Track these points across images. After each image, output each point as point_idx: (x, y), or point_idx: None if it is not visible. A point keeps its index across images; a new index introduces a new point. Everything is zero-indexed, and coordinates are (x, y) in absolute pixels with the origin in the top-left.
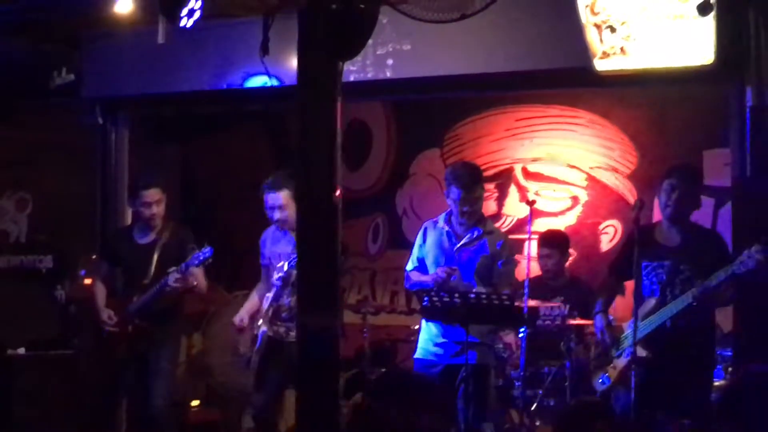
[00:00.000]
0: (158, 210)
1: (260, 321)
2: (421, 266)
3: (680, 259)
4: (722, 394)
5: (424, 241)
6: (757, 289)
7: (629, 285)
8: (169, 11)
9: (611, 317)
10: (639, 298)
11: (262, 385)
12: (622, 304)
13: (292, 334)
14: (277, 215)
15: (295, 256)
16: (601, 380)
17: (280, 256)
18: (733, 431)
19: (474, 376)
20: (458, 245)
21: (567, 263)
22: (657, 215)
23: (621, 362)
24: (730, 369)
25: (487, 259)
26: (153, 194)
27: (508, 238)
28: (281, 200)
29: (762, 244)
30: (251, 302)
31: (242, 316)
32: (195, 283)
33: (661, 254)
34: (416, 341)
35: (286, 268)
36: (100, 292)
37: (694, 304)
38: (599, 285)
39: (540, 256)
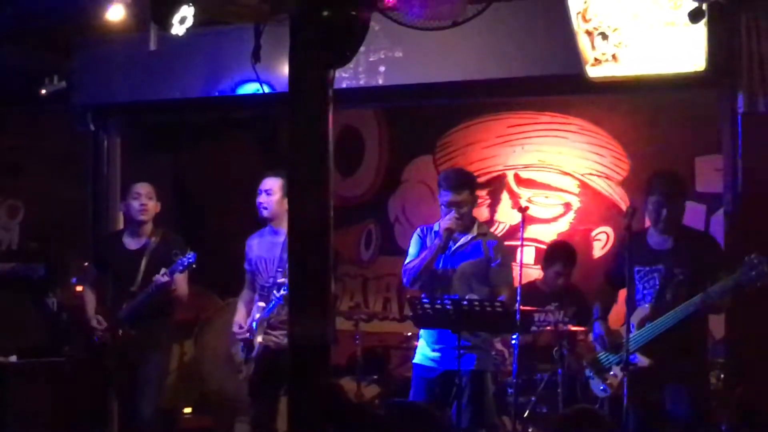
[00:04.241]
0: (149, 204)
1: (256, 330)
2: None
3: (673, 263)
4: None
5: (423, 241)
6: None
7: (622, 293)
8: (160, 18)
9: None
10: (631, 305)
11: (260, 392)
12: (616, 312)
13: (285, 341)
14: (263, 199)
15: None
16: (602, 387)
17: (269, 262)
18: None
19: (472, 381)
20: (453, 248)
21: None
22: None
23: (621, 371)
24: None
25: (481, 262)
26: (143, 186)
27: (501, 240)
28: (275, 185)
29: (760, 254)
30: (241, 313)
31: (240, 323)
32: (174, 287)
33: (653, 258)
34: (411, 347)
35: None
36: (90, 300)
37: (696, 311)
38: (596, 292)
39: (558, 272)
